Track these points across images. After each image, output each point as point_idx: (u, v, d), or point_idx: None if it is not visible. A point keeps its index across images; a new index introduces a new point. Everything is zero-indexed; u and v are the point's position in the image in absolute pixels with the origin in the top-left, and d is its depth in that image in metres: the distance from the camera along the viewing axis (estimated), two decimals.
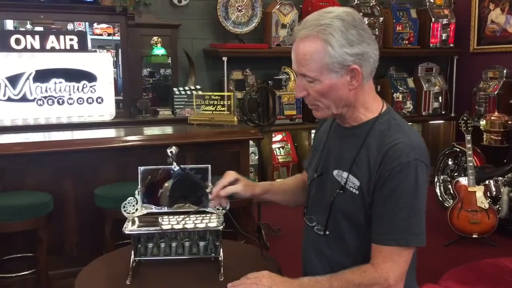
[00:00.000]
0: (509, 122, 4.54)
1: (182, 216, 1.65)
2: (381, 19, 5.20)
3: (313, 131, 4.97)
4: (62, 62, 4.02)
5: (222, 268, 1.56)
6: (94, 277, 1.61)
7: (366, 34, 1.36)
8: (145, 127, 3.88)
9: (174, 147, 1.63)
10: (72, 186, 3.10)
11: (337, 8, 1.40)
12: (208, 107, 3.58)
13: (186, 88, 4.54)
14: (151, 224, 1.62)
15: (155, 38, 4.53)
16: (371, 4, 5.22)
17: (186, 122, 3.70)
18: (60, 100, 4.03)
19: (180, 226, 1.60)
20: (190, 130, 3.53)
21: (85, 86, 4.08)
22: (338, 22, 1.33)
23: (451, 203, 3.99)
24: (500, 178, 4.02)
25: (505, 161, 4.34)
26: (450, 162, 4.70)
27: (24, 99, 3.92)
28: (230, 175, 1.60)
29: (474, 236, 3.73)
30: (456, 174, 4.49)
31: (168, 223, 1.62)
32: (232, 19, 4.79)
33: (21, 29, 4.55)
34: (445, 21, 5.50)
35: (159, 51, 4.55)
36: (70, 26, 4.84)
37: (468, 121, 3.98)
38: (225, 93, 3.72)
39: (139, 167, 1.69)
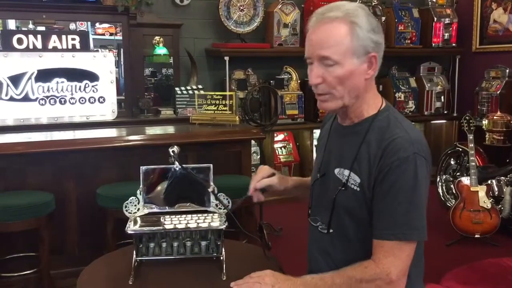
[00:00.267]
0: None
1: (184, 216, 1.65)
2: (383, 18, 5.19)
3: (315, 130, 4.97)
4: (64, 61, 4.02)
5: (224, 268, 1.56)
6: (96, 277, 1.61)
7: (380, 26, 1.41)
8: (147, 127, 3.88)
9: (176, 146, 1.63)
10: (74, 185, 3.10)
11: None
12: (210, 106, 3.58)
13: (188, 87, 4.54)
14: (153, 223, 1.62)
15: (157, 37, 4.53)
16: (373, 4, 5.21)
17: (188, 122, 3.70)
18: (62, 100, 4.03)
19: (183, 226, 1.60)
20: (192, 129, 3.53)
21: (87, 85, 4.08)
22: (361, 9, 1.38)
23: (453, 203, 3.98)
24: (503, 177, 4.01)
25: (507, 160, 4.34)
26: (452, 162, 4.69)
27: (26, 98, 3.92)
28: (265, 169, 1.62)
29: (476, 236, 3.73)
30: (458, 174, 4.48)
31: (170, 222, 1.62)
32: (234, 18, 4.78)
33: (23, 28, 4.55)
34: (447, 20, 5.49)
35: (161, 50, 4.55)
36: (72, 26, 4.85)
37: (471, 121, 3.97)
38: (227, 93, 3.72)
39: (141, 167, 1.69)
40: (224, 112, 3.53)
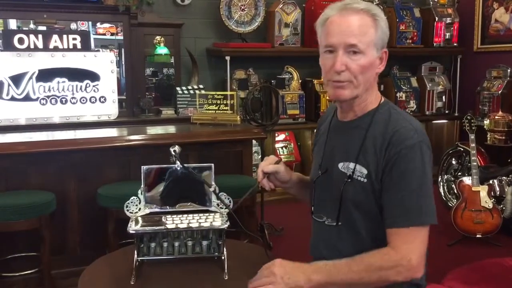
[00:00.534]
0: None
1: (186, 215, 1.65)
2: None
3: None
4: (65, 61, 4.02)
5: (226, 267, 1.56)
6: (97, 277, 1.61)
7: None
8: (148, 127, 3.88)
9: (177, 146, 1.63)
10: (75, 185, 3.10)
11: None
12: (211, 106, 3.57)
13: (189, 87, 4.53)
14: (155, 223, 1.61)
15: (158, 37, 4.53)
16: (374, 3, 5.21)
17: (189, 122, 3.70)
18: (63, 100, 4.02)
19: (184, 225, 1.60)
20: (193, 129, 3.52)
21: (88, 85, 4.08)
22: (377, 6, 1.50)
23: (454, 202, 3.97)
24: (504, 177, 4.01)
25: (509, 160, 4.33)
26: (453, 162, 4.68)
27: (27, 98, 3.92)
28: (271, 157, 1.62)
29: (478, 236, 3.72)
30: (459, 173, 4.47)
31: (172, 222, 1.61)
32: (235, 18, 4.78)
33: (24, 28, 4.55)
34: (448, 20, 5.48)
35: (162, 50, 4.55)
36: (73, 26, 4.84)
37: (472, 121, 3.96)
38: (228, 93, 3.72)
39: (142, 166, 1.69)
40: (225, 112, 3.53)
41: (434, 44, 5.48)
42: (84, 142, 3.09)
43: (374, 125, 1.45)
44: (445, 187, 4.66)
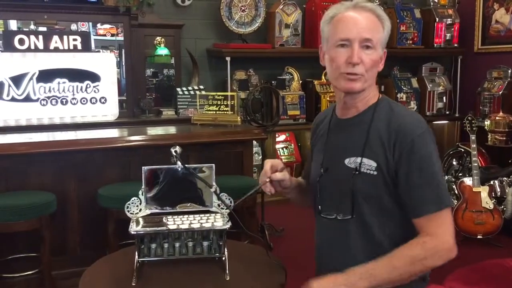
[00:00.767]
0: None
1: (187, 216, 1.65)
2: None
3: None
4: (65, 62, 4.02)
5: (227, 268, 1.56)
6: (98, 278, 1.60)
7: None
8: (148, 127, 3.88)
9: (178, 146, 1.63)
10: (76, 186, 3.09)
11: None
12: (211, 107, 3.57)
13: (190, 88, 4.53)
14: (155, 224, 1.61)
15: (158, 38, 4.53)
16: (375, 4, 5.20)
17: (189, 122, 3.70)
18: (64, 100, 4.02)
19: (186, 226, 1.60)
20: (193, 130, 3.52)
21: (88, 86, 4.08)
22: None
23: (455, 203, 3.97)
24: (505, 178, 4.00)
25: (510, 161, 4.32)
26: (454, 163, 4.68)
27: (27, 99, 3.92)
28: (279, 162, 1.60)
29: (478, 236, 3.72)
30: (460, 174, 4.47)
31: (173, 223, 1.61)
32: (236, 19, 4.78)
33: (24, 29, 4.55)
34: (449, 21, 5.47)
35: (162, 51, 4.55)
36: (73, 27, 4.85)
37: (473, 121, 3.96)
38: (229, 93, 3.72)
39: (142, 167, 1.69)
40: (225, 112, 3.53)
41: (435, 45, 5.47)
42: (84, 143, 3.09)
43: (377, 118, 1.49)
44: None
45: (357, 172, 1.46)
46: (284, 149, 5.22)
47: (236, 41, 4.85)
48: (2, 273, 2.94)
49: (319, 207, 1.59)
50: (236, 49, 4.75)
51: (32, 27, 4.47)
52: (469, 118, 3.99)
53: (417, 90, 5.50)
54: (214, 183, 1.66)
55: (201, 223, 1.61)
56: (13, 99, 3.89)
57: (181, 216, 1.66)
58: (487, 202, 3.73)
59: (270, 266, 1.63)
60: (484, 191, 3.76)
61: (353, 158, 1.48)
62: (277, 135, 5.11)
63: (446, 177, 4.65)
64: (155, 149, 3.13)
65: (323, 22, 1.52)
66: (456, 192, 3.98)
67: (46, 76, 3.97)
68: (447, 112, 5.64)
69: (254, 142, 4.04)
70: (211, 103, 3.57)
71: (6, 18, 4.42)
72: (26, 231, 2.77)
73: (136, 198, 1.69)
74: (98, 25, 5.06)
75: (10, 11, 4.14)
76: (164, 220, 1.63)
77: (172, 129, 3.73)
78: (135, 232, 1.58)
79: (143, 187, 1.68)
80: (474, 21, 5.55)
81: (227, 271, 1.55)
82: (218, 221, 1.62)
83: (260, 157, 4.56)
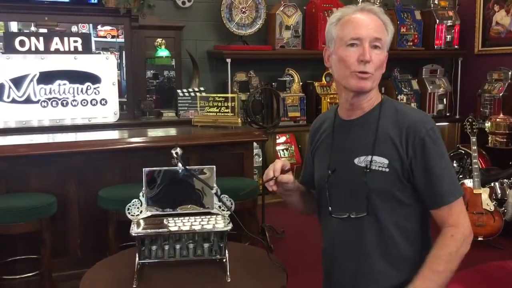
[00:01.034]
0: None
1: (188, 218, 1.65)
2: None
3: None
4: (66, 64, 4.02)
5: (228, 270, 1.55)
6: (98, 280, 1.60)
7: None
8: (149, 129, 3.87)
9: (178, 148, 1.62)
10: (76, 187, 3.09)
11: None
12: (212, 108, 3.57)
13: (190, 89, 4.53)
14: (156, 226, 1.61)
15: (159, 40, 4.53)
16: (375, 6, 5.20)
17: (190, 124, 3.70)
18: (64, 102, 4.02)
19: (187, 228, 1.59)
20: (194, 131, 3.52)
21: (89, 88, 4.08)
22: None
23: None
24: (506, 180, 4.00)
25: (510, 163, 4.32)
26: (455, 164, 4.67)
27: (28, 101, 3.92)
28: (286, 163, 1.60)
29: (479, 238, 3.71)
30: (461, 176, 4.47)
31: (174, 224, 1.61)
32: (236, 20, 4.78)
33: (25, 31, 4.55)
34: (449, 22, 5.48)
35: (163, 53, 4.55)
36: (74, 28, 4.85)
37: (473, 123, 3.96)
38: (229, 95, 3.72)
39: (143, 169, 1.69)
40: (226, 114, 3.53)
41: (435, 46, 5.48)
42: (85, 145, 3.09)
43: (383, 117, 1.51)
44: None
45: (368, 170, 1.48)
46: (285, 150, 5.22)
47: (236, 42, 4.85)
48: (2, 275, 2.93)
49: (330, 208, 1.58)
50: (236, 51, 4.75)
51: (33, 28, 4.47)
52: (470, 120, 3.99)
53: (417, 92, 5.51)
54: (214, 185, 1.66)
55: (202, 225, 1.60)
56: (13, 101, 3.89)
57: (182, 218, 1.65)
58: (487, 204, 3.73)
59: (271, 268, 1.63)
60: (484, 193, 3.76)
61: (363, 157, 1.50)
62: (277, 137, 5.11)
63: None
64: (156, 151, 3.13)
65: (330, 24, 1.54)
66: None
67: (46, 77, 3.96)
68: (448, 114, 5.64)
69: (255, 144, 4.03)
70: (211, 104, 3.57)
71: (7, 20, 4.42)
72: (26, 233, 2.77)
73: (136, 199, 1.68)
74: (99, 27, 5.06)
75: (11, 13, 4.15)
76: (165, 222, 1.63)
77: (172, 131, 3.73)
78: (135, 234, 1.58)
79: (143, 188, 1.68)
80: (474, 23, 5.55)
81: (228, 273, 1.55)
82: (219, 222, 1.62)
83: (261, 158, 4.55)
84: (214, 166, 1.69)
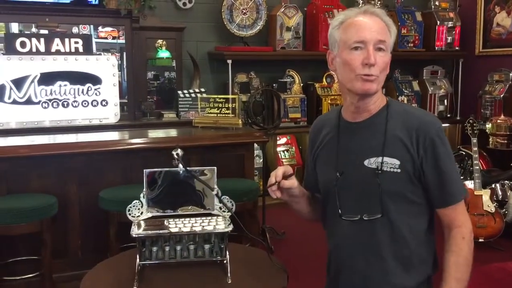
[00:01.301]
0: None
1: (189, 219, 1.65)
2: None
3: None
4: (67, 65, 4.02)
5: (229, 271, 1.55)
6: (99, 282, 1.60)
7: None
8: (150, 130, 3.87)
9: (179, 149, 1.62)
10: (77, 188, 3.09)
11: None
12: (212, 110, 3.57)
13: (191, 91, 4.53)
14: (157, 227, 1.61)
15: (159, 41, 4.53)
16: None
17: (190, 125, 3.70)
18: (65, 103, 4.02)
19: (188, 229, 1.59)
20: (194, 132, 3.52)
21: (89, 89, 4.08)
22: None
23: None
24: (507, 181, 4.00)
25: (511, 164, 4.31)
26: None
27: (29, 102, 3.92)
28: (290, 168, 1.60)
29: (480, 240, 3.70)
30: (462, 177, 4.46)
31: (175, 226, 1.61)
32: (237, 22, 4.79)
33: (26, 32, 4.55)
34: (450, 24, 5.48)
35: (163, 54, 4.55)
36: (75, 29, 4.85)
37: (474, 124, 3.96)
38: (230, 96, 3.72)
39: (144, 170, 1.69)
40: (227, 115, 3.53)
41: (436, 48, 5.48)
42: (86, 146, 3.09)
43: (391, 118, 1.52)
44: None
45: (379, 171, 1.49)
46: (285, 152, 5.22)
47: (237, 44, 4.85)
48: (3, 276, 2.93)
49: (339, 210, 1.57)
50: (237, 52, 4.75)
51: (34, 30, 4.47)
52: (470, 121, 3.99)
53: (418, 93, 5.51)
54: (215, 186, 1.66)
55: (203, 226, 1.60)
56: (14, 102, 3.89)
57: (183, 219, 1.65)
58: (488, 206, 3.72)
59: (272, 269, 1.63)
60: (485, 194, 3.76)
61: (374, 159, 1.50)
62: (278, 138, 5.11)
63: None
64: (157, 152, 3.13)
65: (332, 27, 1.54)
66: None
67: (47, 78, 3.97)
68: (448, 115, 5.64)
69: (255, 145, 4.03)
70: (212, 105, 3.57)
71: (8, 21, 4.43)
72: (27, 233, 2.77)
73: (137, 201, 1.68)
74: (100, 28, 5.07)
75: (12, 14, 4.15)
76: (165, 223, 1.63)
77: (173, 132, 3.73)
78: (136, 235, 1.58)
79: (144, 189, 1.68)
80: (475, 24, 5.55)
81: (229, 274, 1.55)
82: (220, 224, 1.62)
83: (261, 160, 4.55)
84: (215, 167, 1.69)
